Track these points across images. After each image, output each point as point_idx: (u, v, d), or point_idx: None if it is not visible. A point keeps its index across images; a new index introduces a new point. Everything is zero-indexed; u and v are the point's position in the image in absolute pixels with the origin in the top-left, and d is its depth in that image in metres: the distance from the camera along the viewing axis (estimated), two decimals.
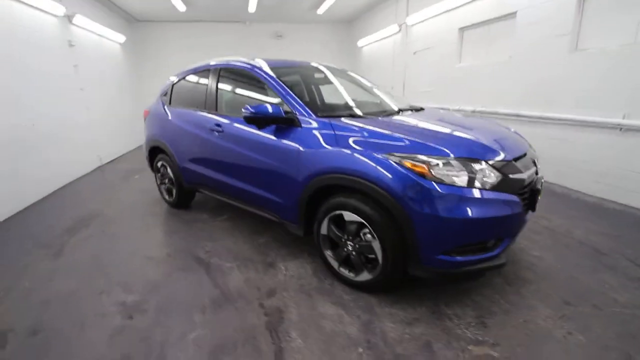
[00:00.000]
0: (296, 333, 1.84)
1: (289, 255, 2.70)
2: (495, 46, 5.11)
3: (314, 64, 3.21)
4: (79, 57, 5.86)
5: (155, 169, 3.98)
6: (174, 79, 3.70)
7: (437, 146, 1.82)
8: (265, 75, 2.63)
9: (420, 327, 1.87)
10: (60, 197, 4.56)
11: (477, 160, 1.79)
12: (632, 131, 3.30)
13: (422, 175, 1.74)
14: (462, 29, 5.72)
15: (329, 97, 3.12)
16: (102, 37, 7.00)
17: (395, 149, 1.84)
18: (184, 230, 3.28)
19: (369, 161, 1.87)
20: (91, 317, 2.04)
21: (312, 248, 2.77)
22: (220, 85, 3.01)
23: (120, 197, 4.46)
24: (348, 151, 1.97)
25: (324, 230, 2.23)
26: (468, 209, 1.70)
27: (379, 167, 1.83)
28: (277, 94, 2.49)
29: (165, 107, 3.61)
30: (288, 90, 2.46)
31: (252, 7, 8.23)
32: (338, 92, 2.90)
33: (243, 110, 2.35)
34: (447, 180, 1.73)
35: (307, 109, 2.32)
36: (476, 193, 1.73)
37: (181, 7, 7.77)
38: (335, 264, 2.25)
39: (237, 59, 3.03)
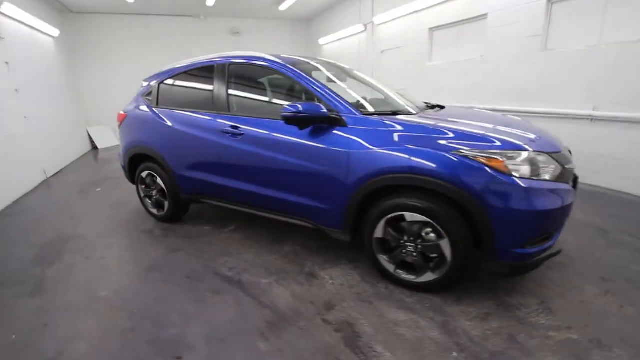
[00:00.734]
0: (380, 346, 1.71)
1: (326, 263, 2.54)
2: (466, 45, 5.46)
3: (323, 60, 3.07)
4: (10, 53, 4.88)
5: (137, 180, 3.46)
6: (158, 77, 3.25)
7: (508, 140, 1.83)
8: (294, 72, 2.42)
9: (495, 321, 1.87)
10: (6, 221, 3.75)
11: (544, 153, 1.84)
12: (602, 121, 3.76)
13: (498, 170, 1.73)
14: (432, 29, 6.01)
15: (348, 95, 3.00)
16: (33, 29, 5.94)
17: (466, 145, 1.82)
18: (189, 247, 2.90)
19: (441, 159, 1.81)
20: None
21: (349, 253, 2.64)
22: (232, 84, 2.70)
23: (89, 214, 3.81)
24: (414, 150, 1.89)
25: (378, 233, 2.12)
26: (542, 201, 1.75)
27: (453, 165, 1.78)
28: (314, 92, 2.30)
29: (154, 109, 3.15)
30: (326, 87, 2.30)
31: (210, 0, 7.69)
32: (357, 89, 2.80)
33: (283, 110, 2.13)
34: (522, 173, 1.75)
35: (352, 107, 2.19)
36: (547, 185, 1.78)
37: None
38: (390, 267, 2.16)
39: (249, 53, 2.75)
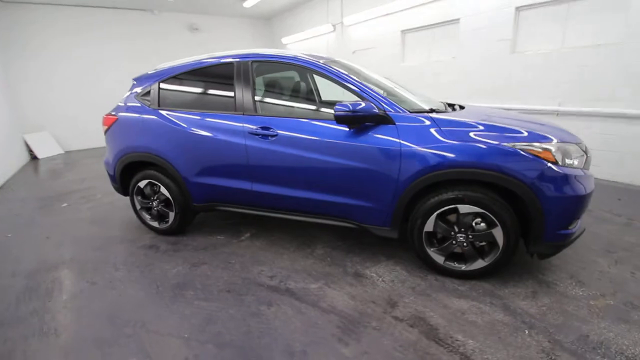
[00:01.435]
0: (460, 335, 1.78)
1: (366, 262, 2.54)
2: (440, 48, 5.83)
3: (336, 59, 3.05)
4: None
5: (132, 191, 3.10)
6: (157, 77, 2.93)
7: (550, 133, 2.02)
8: (332, 71, 2.37)
9: (544, 297, 2.06)
10: None
11: (574, 144, 2.07)
12: (566, 115, 4.31)
13: (548, 160, 1.91)
14: (404, 31, 6.31)
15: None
16: None
17: (517, 139, 1.96)
18: (211, 259, 2.69)
19: (499, 153, 1.93)
20: None
21: (383, 249, 2.69)
22: (259, 83, 2.56)
23: (67, 233, 3.30)
24: (472, 145, 1.99)
25: (429, 227, 2.19)
26: (582, 186, 1.96)
27: (511, 158, 1.92)
28: (358, 91, 2.28)
29: (157, 111, 2.84)
30: (369, 86, 2.30)
31: None
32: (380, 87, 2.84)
33: (336, 108, 2.09)
34: (565, 162, 1.95)
35: (397, 105, 2.22)
36: (581, 172, 2.01)
37: None
38: (440, 259, 2.24)
39: (277, 52, 2.63)
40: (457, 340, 1.75)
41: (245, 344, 1.78)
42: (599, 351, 1.65)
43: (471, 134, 2.02)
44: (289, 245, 2.87)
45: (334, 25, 7.87)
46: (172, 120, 2.76)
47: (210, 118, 2.65)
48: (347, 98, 2.28)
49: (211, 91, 2.81)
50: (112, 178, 3.21)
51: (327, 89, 3.16)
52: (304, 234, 3.02)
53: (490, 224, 2.06)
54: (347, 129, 2.23)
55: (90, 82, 8.08)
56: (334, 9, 7.75)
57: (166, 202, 3.01)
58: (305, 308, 2.06)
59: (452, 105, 2.88)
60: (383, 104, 2.20)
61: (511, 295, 2.09)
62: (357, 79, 2.33)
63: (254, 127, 2.47)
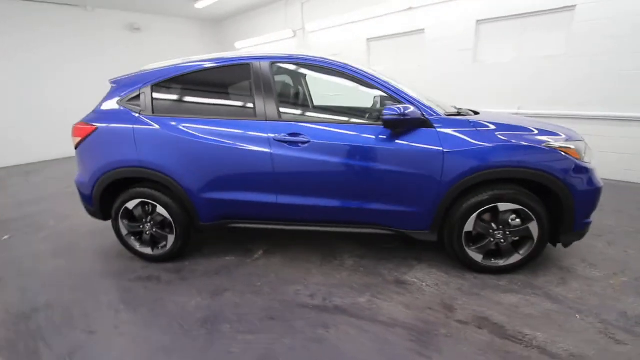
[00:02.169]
0: (527, 329, 1.83)
1: (400, 268, 2.50)
2: (405, 56, 6.14)
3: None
4: None
5: (117, 215, 2.61)
6: (148, 79, 2.52)
7: (568, 133, 2.22)
8: (364, 74, 2.30)
9: (573, 282, 2.24)
10: None
11: (582, 141, 2.30)
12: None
13: (575, 157, 2.09)
14: (370, 40, 6.51)
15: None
16: None
17: (548, 138, 2.12)
18: (232, 284, 2.38)
19: (536, 152, 2.06)
20: None
21: (411, 253, 2.67)
22: (283, 86, 2.35)
23: (27, 273, 2.65)
24: (508, 145, 2.08)
25: (468, 227, 2.23)
26: (598, 179, 2.19)
27: (547, 157, 2.06)
28: (393, 94, 2.24)
29: (155, 119, 2.42)
30: (405, 90, 2.27)
31: None
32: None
33: (385, 112, 2.02)
34: (587, 159, 2.16)
35: (433, 109, 2.23)
36: (594, 166, 2.24)
37: None
38: (478, 257, 2.30)
39: (297, 52, 2.46)
40: (526, 335, 1.80)
41: None
42: None
43: (507, 135, 2.12)
44: (313, 259, 2.69)
45: (294, 31, 7.78)
46: (175, 129, 2.38)
47: (225, 126, 2.35)
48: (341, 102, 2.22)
49: (223, 96, 2.52)
50: (88, 200, 2.66)
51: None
52: (323, 246, 2.86)
53: (525, 220, 2.18)
54: (379, 135, 2.18)
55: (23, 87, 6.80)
56: (294, 14, 7.67)
57: (162, 224, 2.60)
58: (366, 325, 1.93)
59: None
60: (421, 108, 2.20)
61: (546, 284, 2.24)
62: (392, 83, 2.30)
63: (281, 134, 2.27)
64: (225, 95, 2.55)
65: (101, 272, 2.64)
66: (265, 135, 2.29)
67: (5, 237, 3.36)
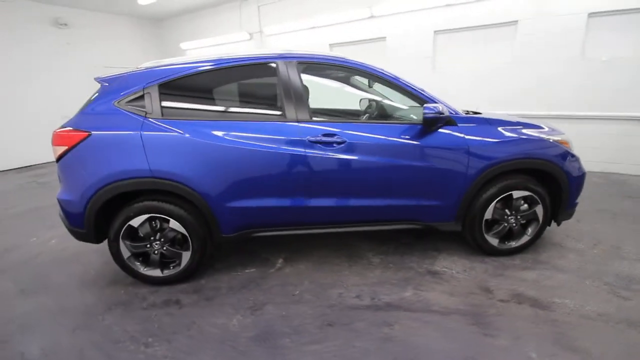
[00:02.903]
0: (556, 299, 2.08)
1: (425, 259, 2.61)
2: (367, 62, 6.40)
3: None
4: None
5: (118, 235, 2.24)
6: (153, 77, 2.22)
7: (556, 128, 2.59)
8: (390, 75, 2.37)
9: (569, 254, 2.60)
10: None
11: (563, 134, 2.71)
12: None
13: (569, 149, 2.46)
14: (332, 45, 6.65)
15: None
16: None
17: (551, 134, 2.44)
18: (267, 297, 2.23)
19: (547, 145, 2.37)
20: None
21: (426, 243, 2.82)
22: (312, 86, 2.28)
23: (4, 320, 2.10)
24: (522, 139, 2.35)
25: (488, 215, 2.45)
26: (583, 167, 2.60)
27: (554, 149, 2.38)
28: (418, 94, 2.35)
29: (170, 122, 2.14)
30: (425, 90, 2.39)
31: None
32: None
33: (426, 110, 2.12)
34: (573, 150, 2.54)
35: (454, 108, 2.40)
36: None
37: None
38: (495, 242, 2.53)
39: (322, 52, 2.42)
40: (559, 304, 2.04)
41: None
42: (636, 284, 2.22)
43: (519, 131, 2.40)
44: (338, 260, 2.66)
45: (250, 34, 7.56)
46: (196, 132, 2.15)
47: (255, 129, 2.20)
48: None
49: (246, 97, 2.35)
50: (77, 221, 2.23)
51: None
52: (343, 247, 2.85)
53: (532, 204, 2.49)
54: (413, 133, 2.29)
55: None
56: (250, 16, 7.45)
57: (174, 241, 2.32)
58: (424, 316, 1.99)
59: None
60: (447, 107, 2.35)
61: (550, 258, 2.57)
62: (413, 84, 2.41)
63: (316, 135, 2.21)
64: (250, 96, 2.39)
65: (98, 305, 2.23)
66: (299, 137, 2.20)
67: None
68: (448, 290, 2.23)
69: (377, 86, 2.98)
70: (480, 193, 2.42)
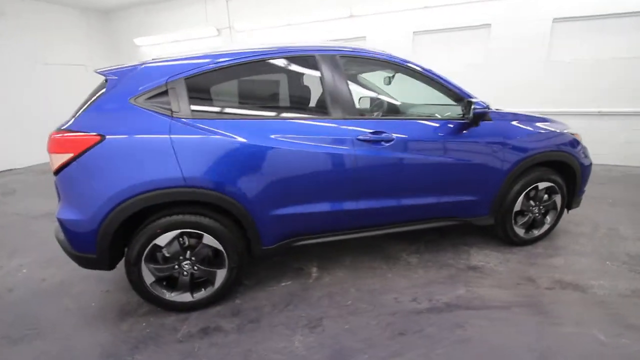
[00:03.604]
0: (593, 281, 2.22)
1: (460, 255, 2.63)
2: None
3: None
4: None
5: (140, 257, 1.88)
6: (178, 70, 1.89)
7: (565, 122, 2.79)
8: (432, 72, 2.34)
9: (580, 238, 2.81)
10: None
11: None
12: None
13: (580, 140, 2.65)
14: None
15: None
16: None
17: (567, 128, 2.61)
18: (320, 313, 2.05)
19: (570, 139, 2.52)
20: None
21: (454, 239, 2.86)
22: (354, 82, 2.14)
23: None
24: (547, 133, 2.48)
25: (517, 207, 2.54)
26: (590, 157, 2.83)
27: (570, 142, 2.54)
28: (456, 91, 2.35)
29: (205, 122, 1.84)
30: (462, 87, 2.39)
31: None
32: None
33: (477, 106, 2.11)
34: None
35: (485, 103, 2.44)
36: None
37: None
38: (522, 232, 2.65)
39: (361, 46, 2.28)
40: (596, 285, 2.19)
41: None
42: None
43: (539, 126, 2.52)
44: (375, 264, 2.56)
45: (218, 29, 7.08)
46: (236, 131, 1.88)
47: (300, 128, 2.01)
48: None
49: (286, 92, 2.12)
50: (86, 244, 1.83)
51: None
52: (373, 250, 2.75)
53: (551, 194, 2.64)
54: (458, 129, 2.28)
55: None
56: (217, 10, 6.98)
57: (205, 259, 2.02)
58: (488, 313, 1.98)
59: None
60: (478, 103, 2.38)
61: (568, 244, 2.75)
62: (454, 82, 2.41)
63: (365, 132, 2.08)
64: (288, 91, 2.17)
65: (119, 345, 1.85)
66: (346, 136, 2.06)
67: None
68: (496, 284, 2.26)
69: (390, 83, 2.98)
70: (512, 186, 2.50)
